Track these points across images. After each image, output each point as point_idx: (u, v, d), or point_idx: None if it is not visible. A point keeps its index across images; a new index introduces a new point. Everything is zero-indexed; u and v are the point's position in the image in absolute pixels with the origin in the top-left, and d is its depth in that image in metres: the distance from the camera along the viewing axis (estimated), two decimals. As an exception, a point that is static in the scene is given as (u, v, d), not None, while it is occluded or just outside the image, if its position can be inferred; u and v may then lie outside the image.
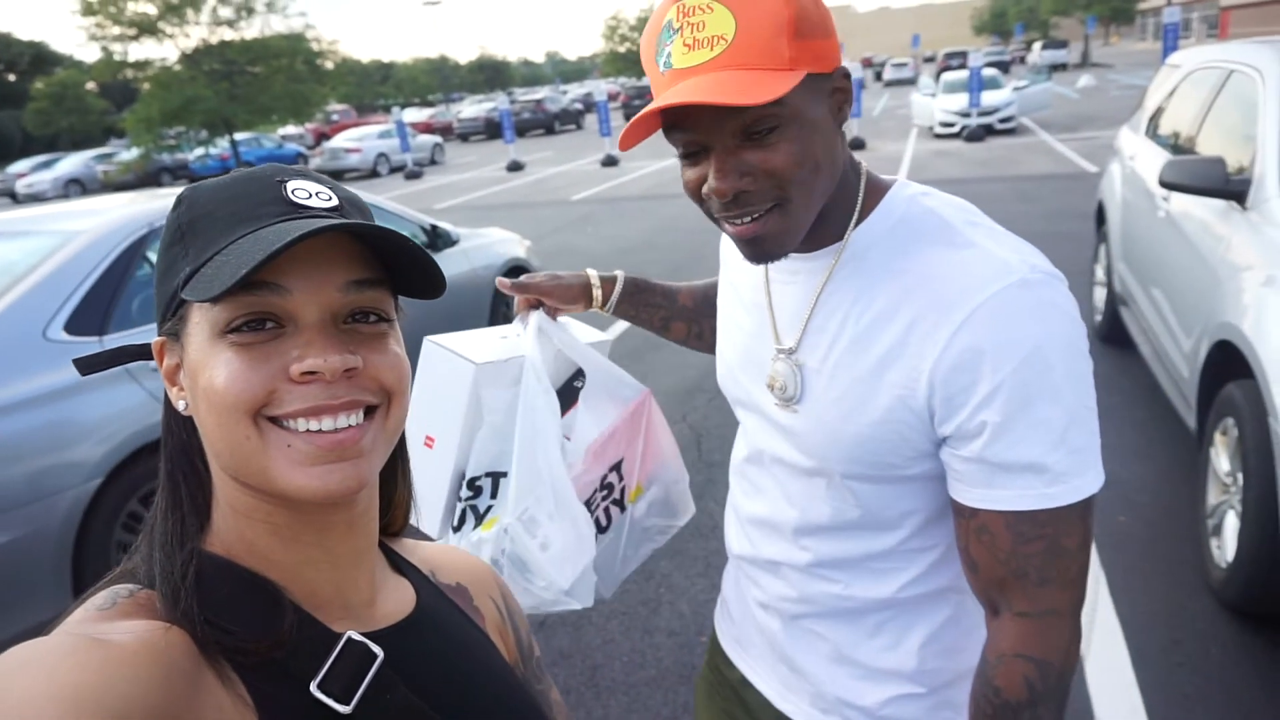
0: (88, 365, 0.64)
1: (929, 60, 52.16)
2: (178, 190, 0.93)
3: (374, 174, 22.07)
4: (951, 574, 0.98)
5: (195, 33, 19.97)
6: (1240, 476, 2.56)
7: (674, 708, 2.45)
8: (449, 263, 4.78)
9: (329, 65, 23.24)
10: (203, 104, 19.35)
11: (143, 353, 0.65)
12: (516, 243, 5.62)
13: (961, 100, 16.54)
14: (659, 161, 18.11)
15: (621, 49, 58.76)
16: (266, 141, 27.22)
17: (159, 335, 0.61)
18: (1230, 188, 3.03)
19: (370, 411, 0.59)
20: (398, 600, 0.68)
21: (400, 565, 0.73)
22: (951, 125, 16.72)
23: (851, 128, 17.31)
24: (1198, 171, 3.14)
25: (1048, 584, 0.85)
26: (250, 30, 20.70)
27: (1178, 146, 4.03)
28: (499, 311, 5.12)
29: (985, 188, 10.74)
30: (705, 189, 0.86)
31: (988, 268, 0.85)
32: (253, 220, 0.57)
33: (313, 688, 0.55)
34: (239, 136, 22.61)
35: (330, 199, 0.60)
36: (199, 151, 22.38)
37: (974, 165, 13.03)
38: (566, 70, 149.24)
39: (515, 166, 19.07)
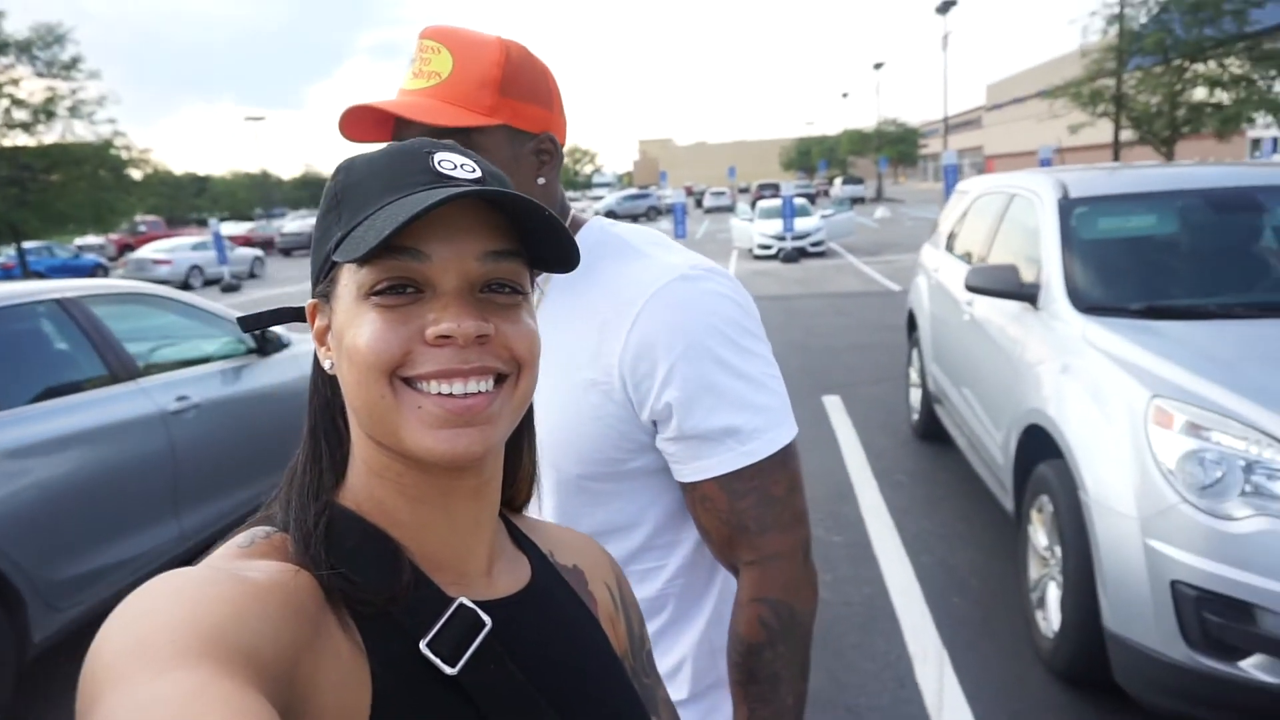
0: (252, 322, 0.69)
1: (744, 190, 56.22)
2: None
3: (186, 286, 20.76)
4: (707, 568, 1.06)
5: (-17, 134, 18.42)
6: (1058, 549, 2.77)
7: None
8: (281, 369, 4.51)
9: (137, 175, 21.98)
10: (-17, 209, 17.71)
11: (298, 314, 0.68)
12: (350, 349, 5.41)
13: (777, 225, 17.88)
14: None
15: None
16: (60, 251, 25.18)
17: (312, 298, 0.64)
18: (1024, 291, 3.40)
19: (500, 381, 0.60)
20: (514, 574, 0.69)
21: (520, 540, 0.74)
22: (769, 248, 17.97)
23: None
24: (997, 277, 3.51)
25: (767, 531, 0.95)
26: (50, 135, 19.32)
27: (975, 258, 4.50)
28: (331, 420, 4.86)
29: (804, 303, 11.51)
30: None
31: (656, 270, 0.98)
32: (400, 188, 0.59)
33: (422, 645, 0.57)
34: (28, 245, 20.78)
35: (474, 171, 0.62)
36: (-25, 258, 20.32)
37: (792, 284, 13.98)
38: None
39: (343, 281, 18.57)
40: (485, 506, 0.66)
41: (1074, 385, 2.82)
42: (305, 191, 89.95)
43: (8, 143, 18.58)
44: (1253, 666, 2.13)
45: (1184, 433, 2.33)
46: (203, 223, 51.78)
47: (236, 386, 4.16)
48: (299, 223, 35.66)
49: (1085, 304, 3.10)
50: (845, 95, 76.90)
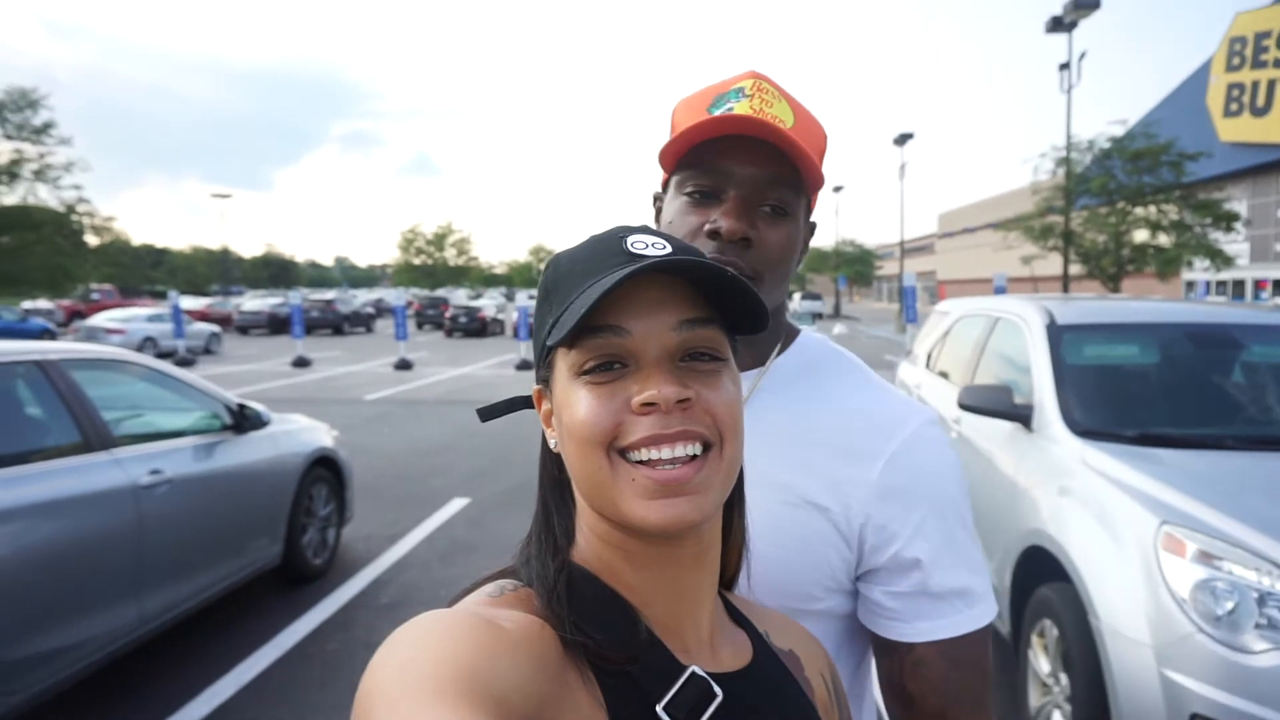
0: (489, 413, 0.77)
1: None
2: None
3: (136, 359, 20.25)
4: None
5: (-57, 193, 18.14)
6: (1064, 676, 2.73)
7: None
8: (256, 447, 4.37)
9: (94, 241, 21.69)
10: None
11: (527, 401, 0.74)
12: (325, 431, 5.28)
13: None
14: (455, 369, 18.11)
15: (416, 260, 59.89)
16: (6, 313, 24.48)
17: (535, 385, 0.70)
18: (1017, 412, 3.47)
19: (706, 449, 0.61)
20: (735, 649, 0.70)
21: (736, 617, 0.74)
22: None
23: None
24: (990, 397, 3.57)
25: (980, 710, 0.88)
26: (10, 197, 19.07)
27: (958, 378, 4.59)
28: (301, 502, 4.69)
29: (769, 412, 11.59)
30: (708, 228, 0.88)
31: (905, 407, 0.94)
32: (597, 272, 0.63)
33: (659, 708, 0.59)
34: (-26, 306, 20.22)
35: (665, 248, 0.64)
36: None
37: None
38: (356, 276, 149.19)
39: (302, 363, 18.30)
40: (706, 576, 0.68)
41: (1076, 508, 2.85)
42: (265, 271, 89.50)
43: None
44: (1275, 807, 2.10)
45: (1196, 561, 2.35)
46: (157, 294, 51.03)
47: (210, 463, 4.01)
48: (258, 301, 35.29)
49: (1080, 428, 3.17)
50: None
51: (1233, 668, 2.18)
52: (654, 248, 0.64)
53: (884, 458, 0.90)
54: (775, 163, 0.86)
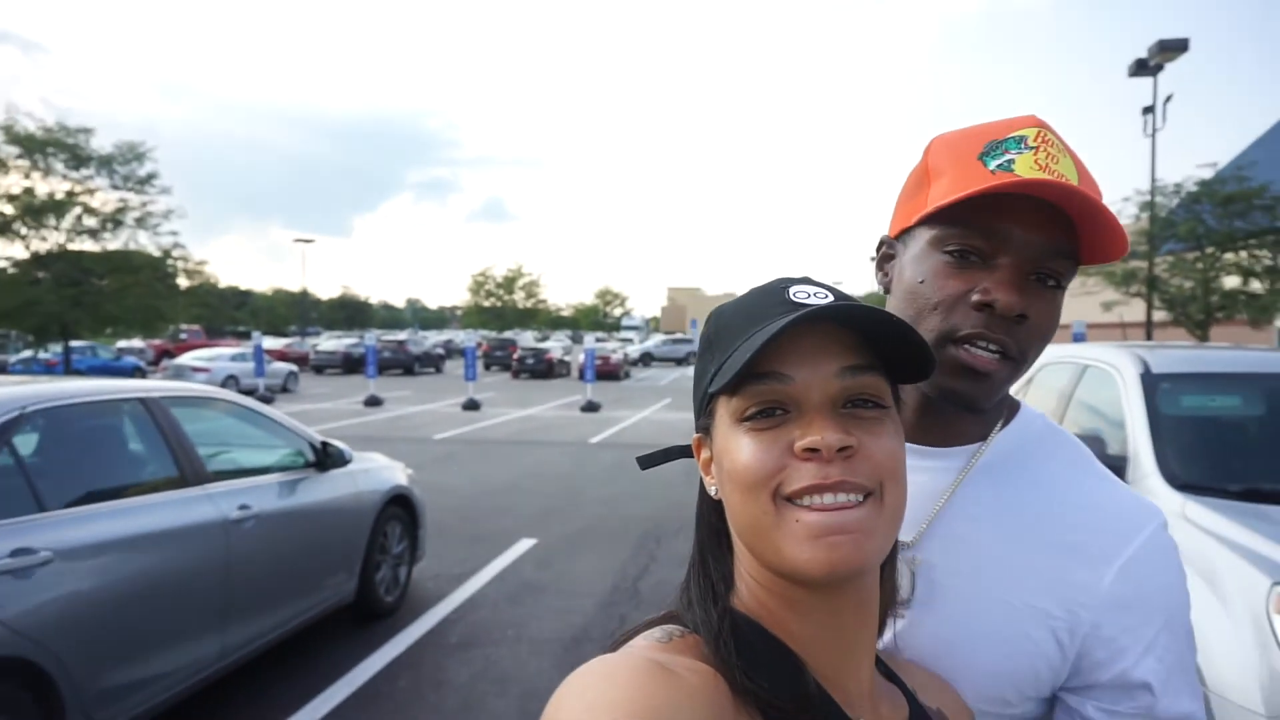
0: (648, 461, 0.78)
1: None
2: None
3: (219, 396, 21.03)
4: None
5: (53, 237, 19.25)
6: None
7: None
8: (337, 484, 4.48)
9: (186, 284, 22.72)
10: (41, 307, 18.28)
11: (686, 450, 0.75)
12: (400, 470, 5.38)
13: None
14: (522, 409, 18.31)
15: (486, 302, 61.17)
16: (103, 352, 25.76)
17: (695, 432, 0.71)
18: (1110, 463, 3.34)
19: (866, 498, 0.61)
20: (892, 704, 0.69)
21: (889, 673, 0.74)
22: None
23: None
24: (1080, 447, 3.44)
25: None
26: (114, 242, 20.15)
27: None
28: (376, 539, 4.77)
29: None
30: (977, 298, 0.78)
31: (1138, 505, 0.85)
32: (760, 320, 0.63)
33: None
34: (75, 344, 21.30)
35: (827, 297, 0.65)
36: (24, 354, 20.78)
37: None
38: (426, 317, 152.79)
39: (374, 401, 18.76)
40: (867, 628, 0.67)
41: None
42: (341, 312, 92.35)
43: (74, 247, 19.37)
44: None
45: (1314, 625, 2.21)
46: (241, 334, 53.04)
47: (293, 499, 4.12)
48: (334, 342, 36.42)
49: (1179, 481, 3.04)
50: (873, 258, 78.90)
51: (1359, 742, 2.03)
52: (816, 297, 0.64)
53: (1119, 562, 0.80)
54: (1060, 229, 0.77)
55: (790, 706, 0.60)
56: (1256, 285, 19.46)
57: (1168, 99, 18.72)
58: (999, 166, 0.77)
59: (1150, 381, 3.52)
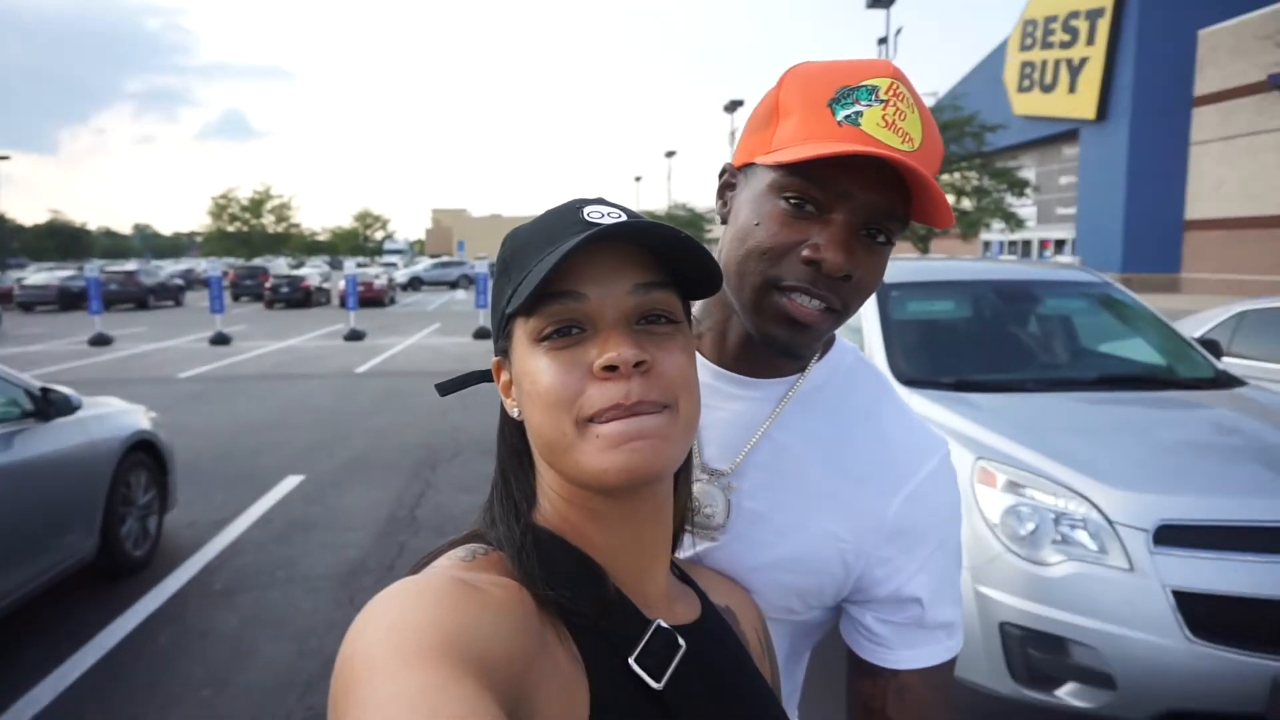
0: (446, 387, 0.76)
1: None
2: None
3: (-103, 342, 17.90)
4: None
5: None
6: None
7: None
8: (64, 434, 4.00)
9: None
10: None
11: (485, 375, 0.74)
12: (142, 414, 4.89)
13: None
14: (278, 341, 17.15)
15: (230, 227, 55.95)
16: None
17: (495, 356, 0.71)
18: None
19: (663, 410, 0.63)
20: (686, 604, 0.73)
21: (683, 576, 0.79)
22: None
23: (479, 318, 18.10)
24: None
25: None
26: None
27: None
28: (118, 491, 4.34)
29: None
30: (807, 253, 0.78)
31: (926, 439, 0.92)
32: (555, 241, 0.63)
33: (631, 660, 0.61)
34: None
35: (620, 217, 0.65)
36: None
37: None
38: (160, 245, 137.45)
39: (102, 340, 16.73)
40: (664, 533, 0.70)
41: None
42: (51, 241, 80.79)
43: None
44: (1067, 694, 2.40)
45: (1005, 490, 2.63)
46: (-82, 270, 44.94)
47: (9, 455, 3.63)
48: (45, 275, 31.76)
49: (906, 377, 3.44)
50: (639, 179, 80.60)
51: (1033, 579, 2.46)
52: (610, 216, 0.65)
53: (904, 493, 0.88)
54: (895, 192, 0.77)
55: (591, 612, 0.62)
56: (967, 204, 22.07)
57: (899, 31, 20.37)
58: (846, 118, 0.76)
59: (883, 290, 3.92)
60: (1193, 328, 5.69)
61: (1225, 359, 4.57)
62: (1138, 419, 3.14)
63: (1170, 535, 2.43)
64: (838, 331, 0.97)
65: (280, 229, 58.71)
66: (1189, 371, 3.71)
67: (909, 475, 0.88)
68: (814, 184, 0.77)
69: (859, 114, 0.76)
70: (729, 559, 0.88)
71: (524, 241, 0.67)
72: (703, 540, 0.88)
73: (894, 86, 0.77)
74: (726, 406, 0.90)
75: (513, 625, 0.55)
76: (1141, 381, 3.61)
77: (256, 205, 56.74)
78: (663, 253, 0.64)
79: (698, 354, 0.88)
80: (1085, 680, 2.38)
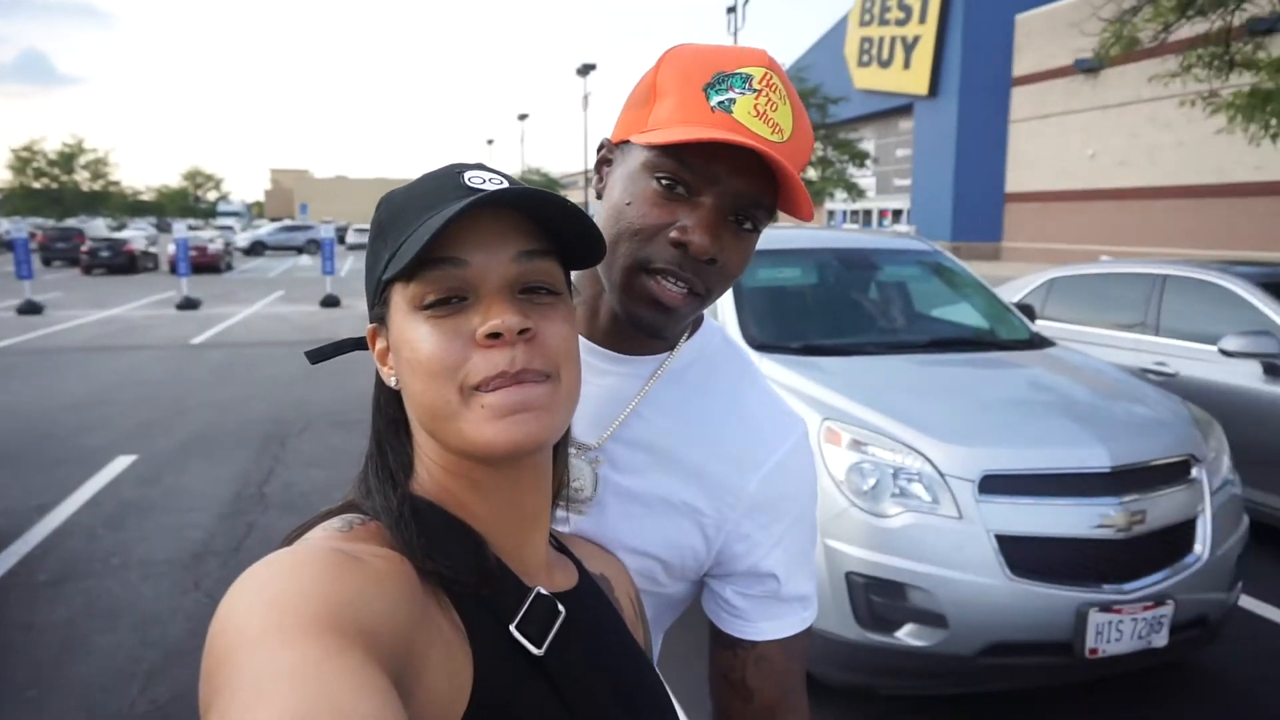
0: (317, 356, 0.74)
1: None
2: None
3: None
4: None
5: None
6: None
7: None
8: None
9: None
10: None
11: (359, 342, 0.73)
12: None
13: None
14: (100, 310, 15.82)
15: (36, 184, 50.78)
16: None
17: (370, 323, 0.69)
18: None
19: (546, 379, 0.64)
20: (564, 572, 0.75)
21: (560, 546, 0.80)
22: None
23: (325, 285, 17.29)
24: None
25: (803, 694, 0.97)
26: None
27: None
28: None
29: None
30: (675, 235, 0.80)
31: (786, 417, 0.96)
32: (435, 207, 0.62)
33: (511, 628, 0.62)
34: None
35: (502, 183, 0.65)
36: None
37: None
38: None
39: (-116, 310, 14.90)
40: (543, 501, 0.71)
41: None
42: None
43: None
44: (905, 635, 2.61)
45: (849, 448, 2.80)
46: None
47: None
48: None
49: (757, 343, 3.58)
50: (490, 142, 78.90)
51: (875, 531, 2.65)
52: (491, 183, 0.64)
53: (762, 471, 0.91)
54: (764, 181, 0.78)
55: (472, 581, 0.61)
56: (813, 174, 22.96)
57: (746, 1, 20.77)
58: (720, 104, 0.78)
59: (734, 257, 4.04)
60: (1011, 293, 6.18)
61: (1039, 322, 5.01)
62: (964, 379, 3.40)
63: (993, 484, 2.67)
64: (704, 311, 1.01)
65: (97, 187, 53.80)
66: (1008, 334, 4.05)
67: (768, 454, 0.92)
68: (685, 167, 0.79)
69: (732, 101, 0.78)
70: (595, 531, 0.90)
71: (400, 205, 0.65)
72: (572, 513, 0.90)
73: (768, 77, 0.79)
74: (596, 381, 0.91)
75: (396, 595, 0.54)
76: (967, 343, 3.91)
77: (67, 160, 51.67)
78: (547, 221, 0.64)
79: None
80: (921, 621, 2.59)
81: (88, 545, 4.42)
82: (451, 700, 0.56)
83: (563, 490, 0.79)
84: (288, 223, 47.50)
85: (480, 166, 0.67)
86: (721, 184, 0.79)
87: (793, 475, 0.93)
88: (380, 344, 0.68)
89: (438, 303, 0.61)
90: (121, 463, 5.90)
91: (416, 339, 0.61)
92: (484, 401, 0.60)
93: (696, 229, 0.78)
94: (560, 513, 0.90)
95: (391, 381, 0.67)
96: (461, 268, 0.61)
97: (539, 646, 0.62)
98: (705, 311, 0.99)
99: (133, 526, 4.69)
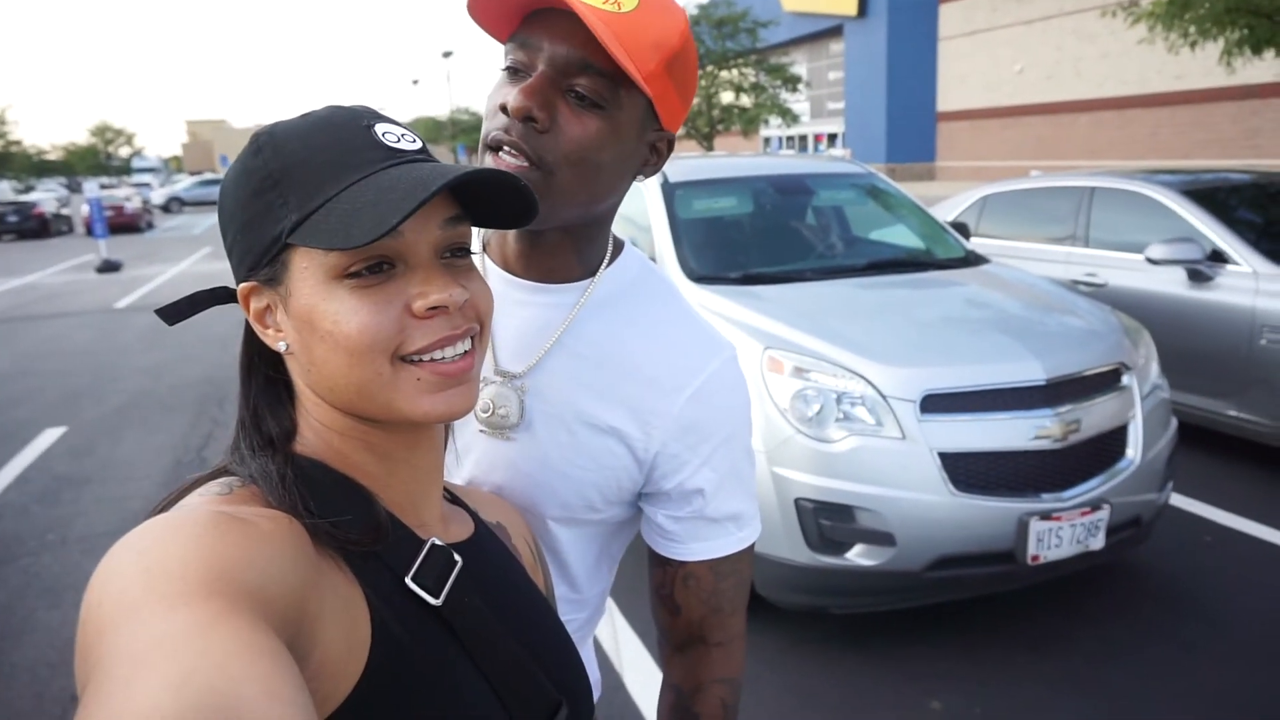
0: (171, 314, 0.66)
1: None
2: None
3: None
4: (598, 605, 1.08)
5: None
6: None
7: None
8: None
9: None
10: None
11: (219, 296, 0.67)
12: None
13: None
14: (13, 279, 15.12)
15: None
16: None
17: (246, 280, 0.63)
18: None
19: (472, 339, 0.64)
20: (460, 524, 0.74)
21: (453, 497, 0.79)
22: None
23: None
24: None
25: (736, 613, 0.98)
26: None
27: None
28: None
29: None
30: (501, 102, 0.80)
31: (711, 342, 0.96)
32: (360, 167, 0.59)
33: (407, 580, 0.61)
34: None
35: (415, 141, 0.64)
36: None
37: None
38: None
39: None
40: (439, 457, 0.71)
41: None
42: None
43: None
44: (855, 555, 2.67)
45: (792, 376, 2.81)
46: None
47: None
48: None
49: (695, 275, 3.55)
50: (416, 82, 76.01)
51: (820, 456, 2.68)
52: (405, 140, 0.63)
53: (688, 392, 0.91)
54: (594, 46, 0.76)
55: (364, 538, 0.60)
56: (746, 100, 22.73)
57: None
58: None
59: (669, 189, 3.98)
60: (946, 212, 6.23)
61: (973, 239, 5.07)
62: (903, 300, 3.43)
63: (934, 403, 2.71)
64: (627, 240, 1.01)
65: (-3, 147, 50.90)
66: (944, 253, 4.08)
67: (693, 375, 0.92)
68: (517, 45, 0.80)
69: None
70: (526, 458, 0.91)
71: (303, 157, 0.60)
72: (499, 439, 0.91)
73: None
74: (518, 313, 0.91)
75: (285, 555, 0.53)
76: (905, 265, 3.93)
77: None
78: (464, 186, 0.62)
79: (488, 260, 0.93)
80: (870, 541, 2.65)
81: (20, 524, 4.27)
82: (350, 657, 0.55)
83: (449, 439, 0.79)
84: (206, 176, 45.62)
85: (380, 118, 0.64)
86: (542, 50, 0.79)
87: (720, 396, 0.93)
88: (258, 303, 0.63)
89: (365, 272, 0.59)
90: (50, 435, 5.70)
91: (341, 311, 0.58)
92: (419, 374, 0.61)
93: (517, 93, 0.78)
94: (486, 443, 0.92)
95: (280, 346, 0.63)
96: (394, 238, 0.59)
97: (436, 597, 0.62)
98: (639, 239, 0.97)
99: (68, 501, 4.54)
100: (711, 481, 0.93)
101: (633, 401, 0.90)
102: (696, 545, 0.95)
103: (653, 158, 0.89)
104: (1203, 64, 16.75)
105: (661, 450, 0.91)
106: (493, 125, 0.81)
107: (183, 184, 42.95)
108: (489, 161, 0.80)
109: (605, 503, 0.94)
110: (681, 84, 0.84)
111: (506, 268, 0.92)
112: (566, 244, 0.90)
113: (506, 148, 0.79)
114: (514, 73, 0.81)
